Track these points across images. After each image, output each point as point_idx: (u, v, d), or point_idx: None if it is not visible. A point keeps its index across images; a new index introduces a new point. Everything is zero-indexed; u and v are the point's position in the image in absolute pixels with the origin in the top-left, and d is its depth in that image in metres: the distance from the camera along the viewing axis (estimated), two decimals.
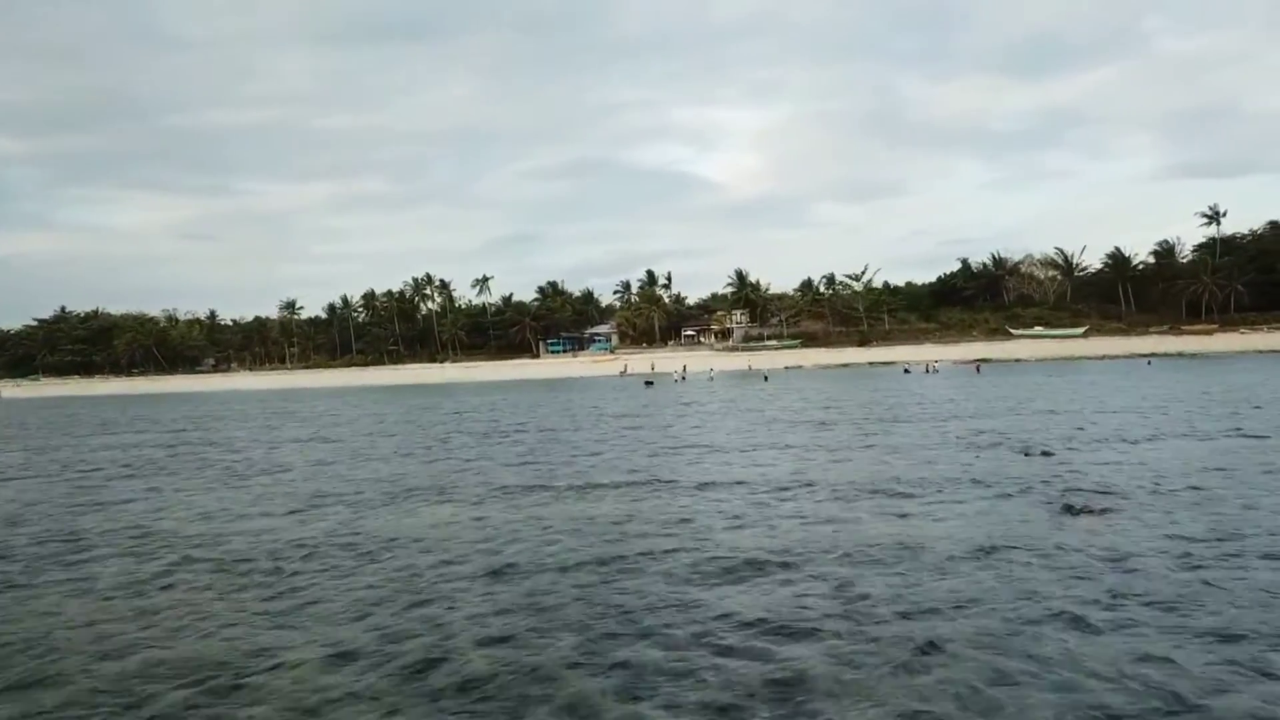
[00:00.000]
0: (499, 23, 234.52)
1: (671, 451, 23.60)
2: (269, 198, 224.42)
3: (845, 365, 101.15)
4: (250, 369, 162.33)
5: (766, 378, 68.39)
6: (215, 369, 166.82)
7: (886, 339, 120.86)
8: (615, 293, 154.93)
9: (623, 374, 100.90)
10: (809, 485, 17.03)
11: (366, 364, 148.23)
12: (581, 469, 20.68)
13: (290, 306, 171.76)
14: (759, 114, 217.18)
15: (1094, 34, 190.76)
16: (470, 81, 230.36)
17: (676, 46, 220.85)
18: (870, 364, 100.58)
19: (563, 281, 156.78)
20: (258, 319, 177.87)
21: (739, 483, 17.57)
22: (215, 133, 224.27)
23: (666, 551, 11.83)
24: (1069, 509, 13.31)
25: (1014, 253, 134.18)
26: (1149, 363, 70.42)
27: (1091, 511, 12.97)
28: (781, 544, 12.04)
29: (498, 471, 20.91)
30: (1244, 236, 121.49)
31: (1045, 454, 19.58)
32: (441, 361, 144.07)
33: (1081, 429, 25.04)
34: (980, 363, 71.20)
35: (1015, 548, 11.29)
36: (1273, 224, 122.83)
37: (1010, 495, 15.01)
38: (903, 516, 13.66)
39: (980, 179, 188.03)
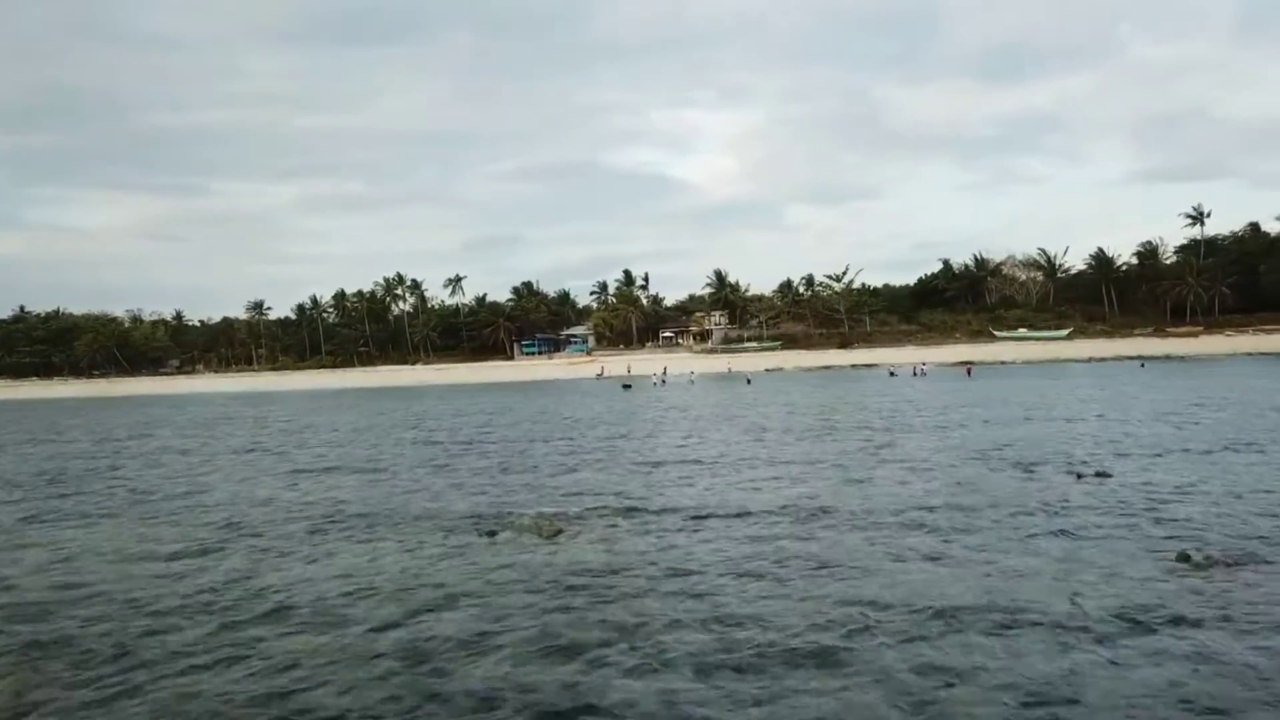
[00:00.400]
0: (475, 24, 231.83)
1: (655, 468, 20.47)
2: (242, 198, 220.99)
3: (827, 368, 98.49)
4: (216, 371, 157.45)
5: (749, 381, 65.49)
6: (179, 371, 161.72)
7: (868, 341, 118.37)
8: (592, 293, 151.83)
9: (599, 376, 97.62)
10: (826, 513, 13.98)
11: (335, 365, 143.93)
12: (548, 492, 17.50)
13: (258, 307, 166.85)
14: (735, 117, 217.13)
15: (1068, 40, 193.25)
16: (447, 83, 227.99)
17: (653, 50, 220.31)
18: (853, 366, 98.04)
19: (538, 282, 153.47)
20: (226, 320, 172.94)
21: (741, 513, 14.46)
22: (188, 132, 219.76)
23: (662, 629, 8.66)
24: (1186, 559, 10.22)
25: (995, 253, 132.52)
26: (1142, 365, 68.18)
27: (1221, 563, 9.91)
28: (818, 610, 8.92)
29: (448, 495, 17.64)
30: (1225, 238, 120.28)
31: (1101, 474, 16.58)
32: (413, 363, 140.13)
33: (1117, 441, 22.15)
34: (971, 365, 68.53)
35: (1153, 625, 8.20)
36: (1254, 226, 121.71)
37: (1095, 535, 11.93)
38: (968, 565, 10.55)
39: (954, 183, 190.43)
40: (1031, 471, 17.38)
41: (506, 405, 52.62)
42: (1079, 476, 16.49)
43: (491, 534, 13.33)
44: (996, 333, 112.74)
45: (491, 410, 48.28)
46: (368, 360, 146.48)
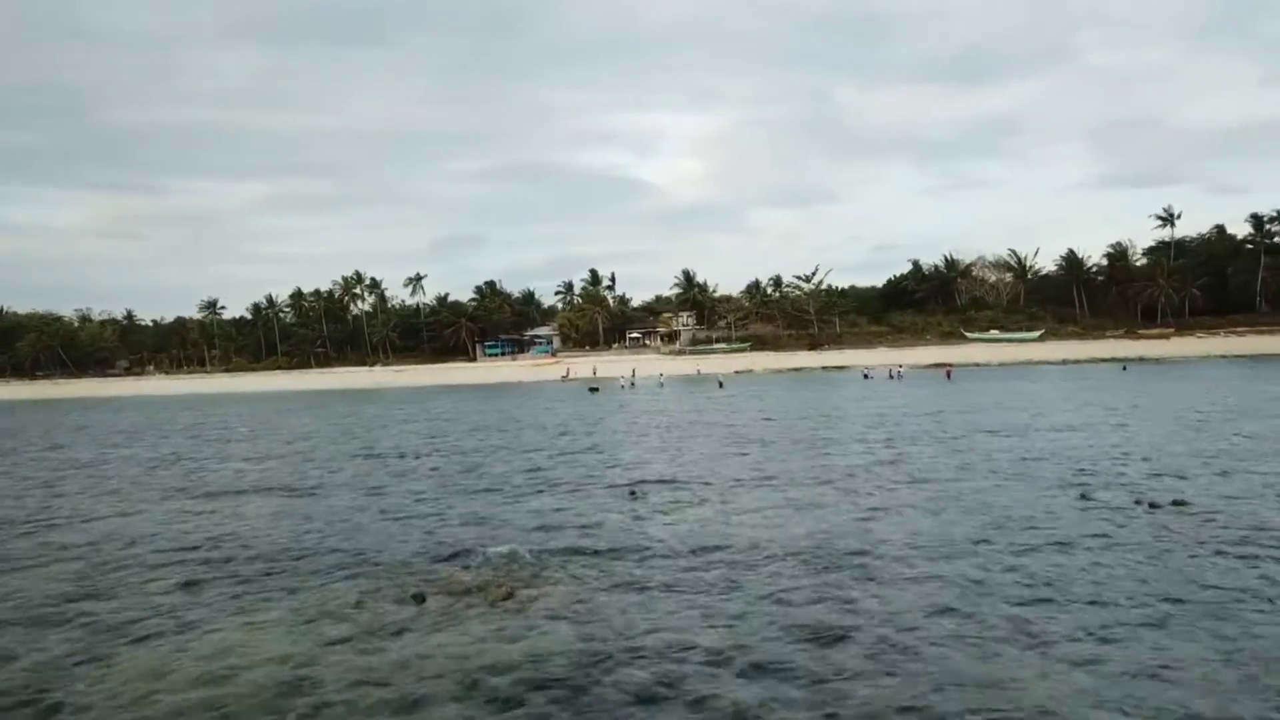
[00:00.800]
0: (439, 25, 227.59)
1: (633, 492, 17.21)
2: (201, 197, 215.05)
3: (798, 370, 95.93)
4: (166, 373, 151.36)
5: (721, 384, 62.51)
6: (128, 372, 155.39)
7: (838, 342, 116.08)
8: (557, 293, 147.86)
9: (565, 379, 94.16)
10: (859, 560, 10.85)
11: (291, 367, 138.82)
12: (501, 526, 14.20)
13: (211, 307, 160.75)
14: (699, 119, 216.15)
15: (1027, 46, 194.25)
16: (410, 83, 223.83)
17: (617, 52, 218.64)
18: (824, 368, 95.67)
19: (501, 281, 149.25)
20: (179, 320, 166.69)
21: (750, 559, 11.31)
22: (149, 130, 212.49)
23: None
24: None
25: (965, 254, 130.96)
26: (1124, 369, 66.17)
27: None
28: None
29: (376, 532, 14.26)
30: (1192, 240, 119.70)
31: (1179, 504, 13.61)
32: (371, 365, 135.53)
33: (1150, 459, 19.30)
34: (950, 368, 66.13)
35: None
36: (1219, 228, 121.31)
37: (1250, 610, 8.87)
38: (1104, 667, 7.40)
39: (913, 186, 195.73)
40: (1090, 500, 14.35)
41: (464, 410, 49.17)
42: (1153, 506, 13.50)
43: (420, 599, 9.99)
44: (968, 334, 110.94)
45: (447, 415, 44.83)
46: (325, 361, 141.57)
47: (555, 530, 13.64)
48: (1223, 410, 29.42)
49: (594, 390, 61.01)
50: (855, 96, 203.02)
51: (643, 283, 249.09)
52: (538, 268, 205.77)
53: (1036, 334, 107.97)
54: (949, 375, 61.52)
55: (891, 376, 66.08)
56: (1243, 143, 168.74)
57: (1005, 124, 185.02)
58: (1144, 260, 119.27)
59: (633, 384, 69.52)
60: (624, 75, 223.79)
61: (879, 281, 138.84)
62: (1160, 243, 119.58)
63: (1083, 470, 17.52)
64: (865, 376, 68.12)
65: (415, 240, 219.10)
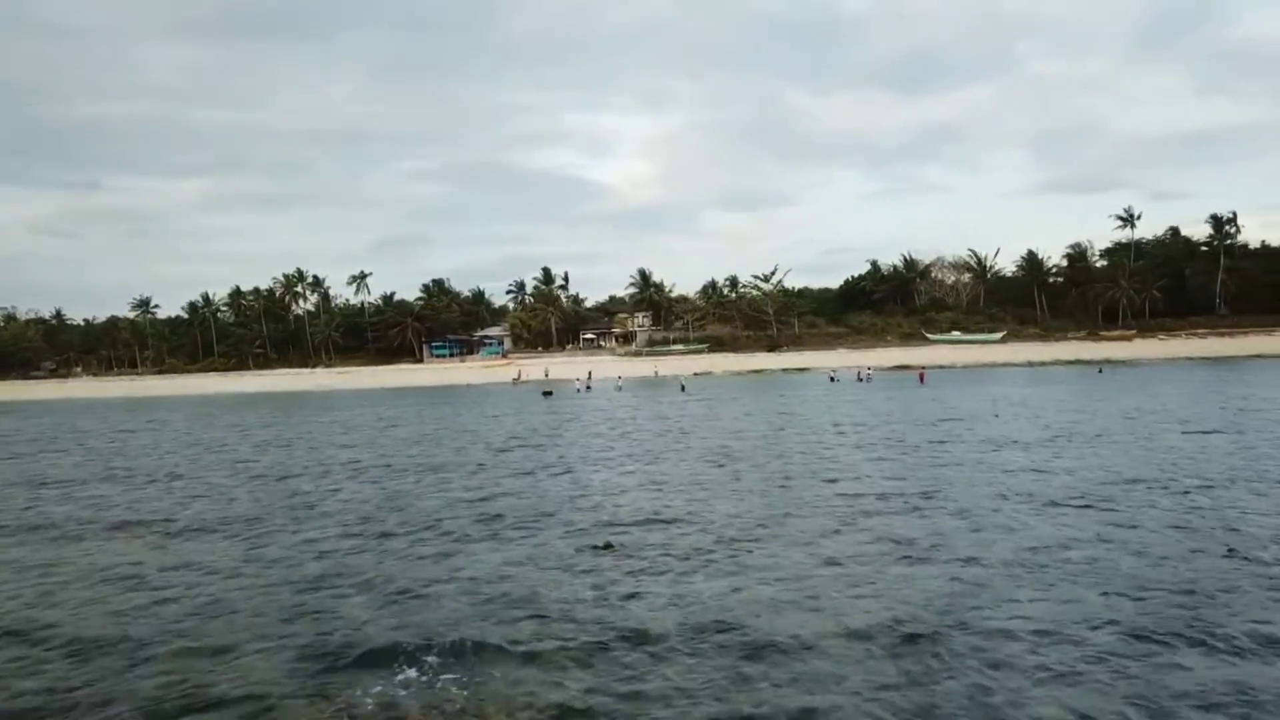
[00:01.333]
0: (384, 21, 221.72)
1: (609, 545, 13.13)
2: (140, 194, 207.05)
3: (758, 372, 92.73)
4: (95, 374, 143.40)
5: (684, 387, 58.74)
6: (54, 374, 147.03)
7: (797, 344, 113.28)
8: (509, 293, 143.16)
9: (516, 382, 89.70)
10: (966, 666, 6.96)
11: (228, 368, 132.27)
12: (415, 609, 10.06)
13: (144, 305, 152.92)
14: (650, 121, 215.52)
15: (970, 54, 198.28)
16: (355, 80, 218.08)
17: (568, 52, 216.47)
18: (784, 370, 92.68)
19: (449, 280, 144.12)
20: (111, 319, 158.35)
21: (791, 665, 7.33)
22: (81, 125, 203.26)
23: None
24: None
25: (924, 255, 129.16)
26: (1100, 371, 63.78)
27: None
28: None
29: (224, 627, 9.98)
30: (1149, 243, 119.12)
31: None
32: (313, 366, 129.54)
33: (1212, 484, 15.82)
34: (924, 371, 63.13)
35: None
36: (1174, 230, 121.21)
37: None
38: None
39: (862, 190, 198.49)
40: (1247, 559, 10.66)
41: (404, 417, 44.72)
42: (1247, 559, 9.86)
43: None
44: (929, 335, 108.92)
45: (385, 423, 40.38)
46: (264, 363, 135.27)
47: (501, 610, 9.61)
48: (1254, 410, 26.32)
49: (547, 394, 56.83)
50: (806, 101, 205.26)
51: (597, 284, 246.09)
52: (489, 269, 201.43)
53: (998, 335, 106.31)
54: (922, 379, 58.40)
55: (860, 379, 62.95)
56: (1180, 151, 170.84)
57: (951, 130, 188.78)
58: (1101, 262, 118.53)
59: (588, 387, 65.45)
60: (575, 76, 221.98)
61: (831, 284, 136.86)
62: (1117, 244, 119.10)
63: (1179, 497, 13.93)
64: (832, 379, 64.94)
65: (361, 240, 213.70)
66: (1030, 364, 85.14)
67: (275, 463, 25.40)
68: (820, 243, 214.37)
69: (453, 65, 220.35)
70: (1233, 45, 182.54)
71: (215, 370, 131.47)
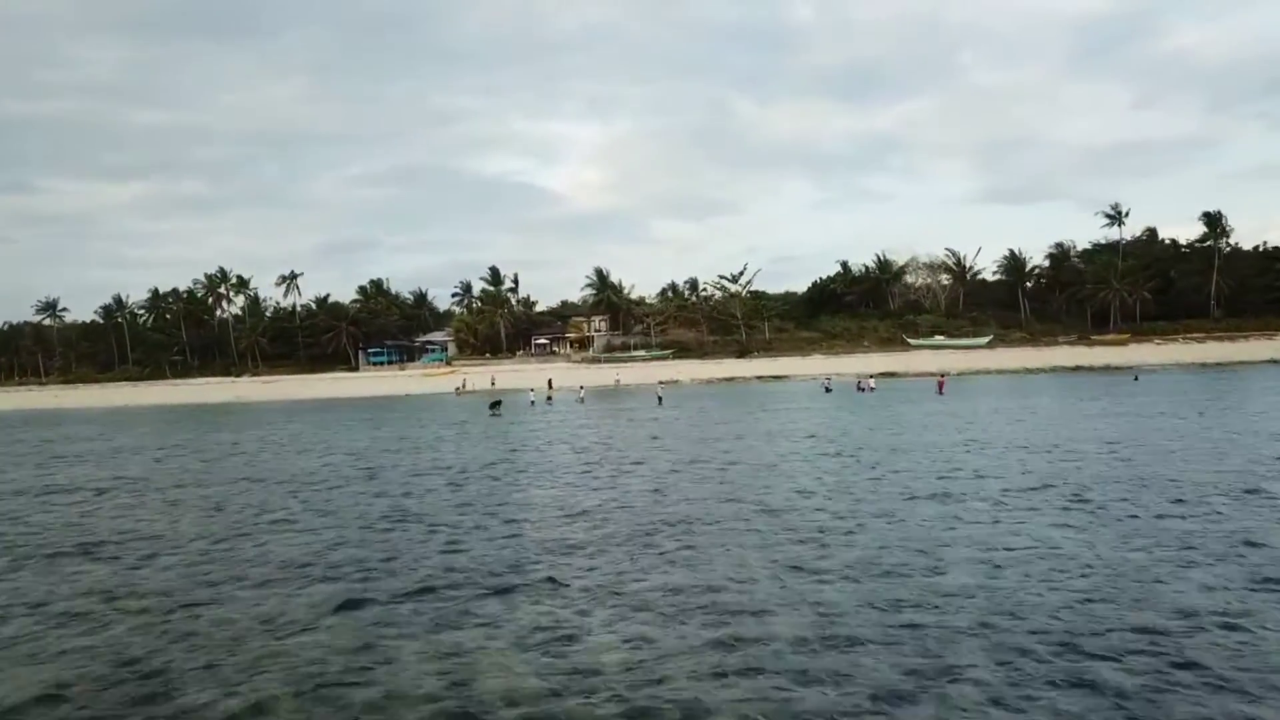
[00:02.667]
0: (326, 21, 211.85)
1: None
2: (70, 197, 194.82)
3: (730, 380, 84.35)
4: None
5: (661, 399, 49.60)
6: None
7: (768, 349, 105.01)
8: (454, 295, 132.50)
9: (460, 392, 79.93)
10: None
11: (143, 378, 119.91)
12: None
13: (50, 309, 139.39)
14: (599, 128, 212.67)
15: (913, 65, 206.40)
16: (296, 81, 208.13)
17: (515, 57, 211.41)
18: (759, 379, 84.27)
19: (388, 280, 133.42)
20: (9, 325, 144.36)
21: None
22: (10, 124, 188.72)
23: None
24: None
25: (899, 254, 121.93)
26: (1136, 379, 55.90)
27: None
28: None
29: None
30: (1128, 243, 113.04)
31: None
32: (237, 374, 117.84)
33: None
34: (944, 378, 54.53)
35: None
36: (1152, 231, 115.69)
37: None
38: None
39: (809, 198, 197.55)
40: None
41: (319, 439, 35.01)
42: None
43: None
44: (910, 340, 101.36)
45: (290, 447, 30.66)
46: (183, 371, 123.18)
47: None
48: None
49: (495, 408, 47.19)
50: (753, 109, 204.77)
51: (549, 291, 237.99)
52: (438, 274, 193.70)
53: (985, 340, 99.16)
54: (941, 388, 49.98)
55: (860, 389, 54.50)
56: (1115, 162, 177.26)
57: (895, 139, 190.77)
58: (1079, 263, 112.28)
59: (549, 399, 55.90)
60: (523, 82, 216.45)
61: (776, 292, 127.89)
62: (1098, 245, 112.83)
63: None
64: (826, 389, 56.36)
65: (305, 244, 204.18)
66: (1025, 371, 77.93)
67: (90, 524, 15.68)
68: (767, 250, 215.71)
69: (398, 67, 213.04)
70: (1165, 59, 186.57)
71: (129, 380, 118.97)
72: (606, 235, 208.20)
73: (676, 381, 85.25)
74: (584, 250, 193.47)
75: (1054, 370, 77.31)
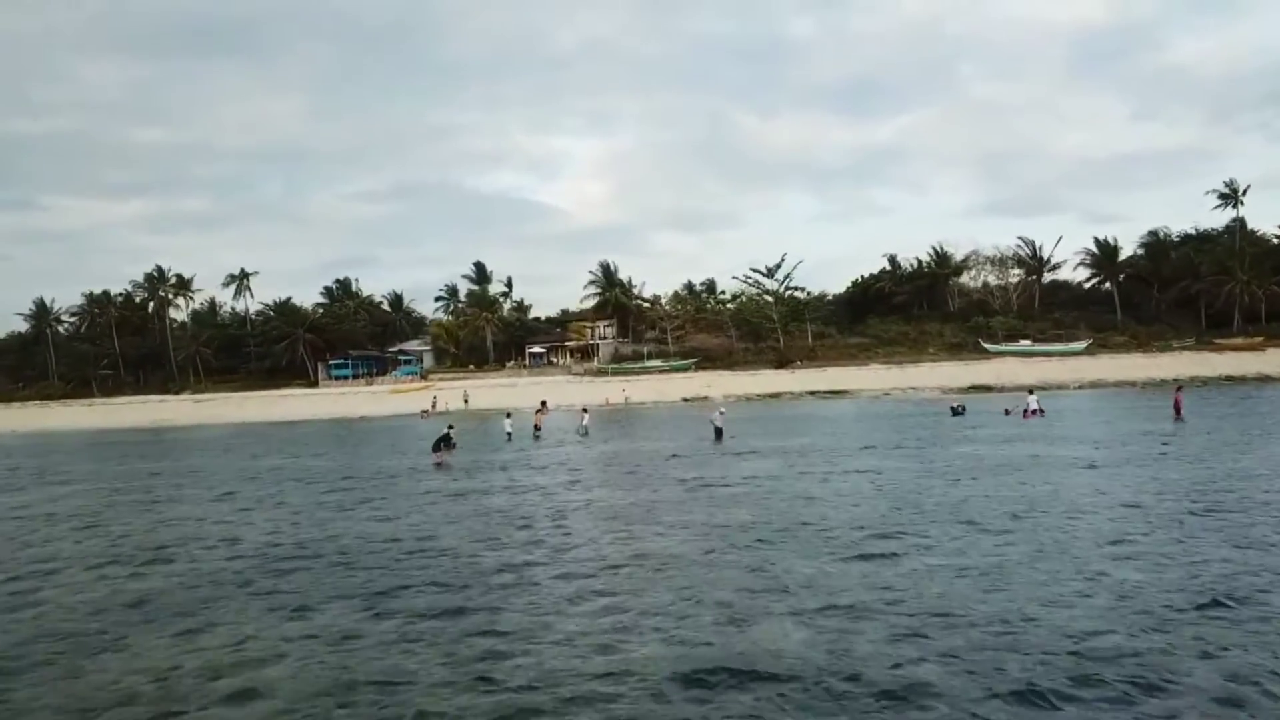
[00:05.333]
0: (326, 38, 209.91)
1: None
2: (72, 214, 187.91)
3: (775, 396, 65.84)
4: None
5: (721, 431, 30.19)
6: None
7: (811, 358, 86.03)
8: (438, 299, 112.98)
9: (428, 414, 61.41)
10: None
11: (59, 396, 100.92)
12: None
13: None
14: (600, 142, 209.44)
15: (913, 77, 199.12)
16: (296, 98, 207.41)
17: (515, 73, 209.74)
18: (811, 394, 65.72)
19: (358, 281, 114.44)
20: None
21: None
22: (6, 142, 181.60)
23: None
24: None
25: (957, 247, 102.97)
26: None
27: None
28: None
29: None
30: (1220, 231, 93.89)
31: None
32: (177, 391, 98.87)
33: None
34: (1179, 390, 34.62)
35: None
36: (1240, 221, 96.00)
37: None
38: None
39: (809, 211, 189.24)
40: None
41: (95, 515, 16.02)
42: None
43: None
44: (988, 346, 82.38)
45: (118, 529, 11.71)
46: (115, 388, 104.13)
47: None
48: None
49: (443, 446, 27.97)
50: (753, 122, 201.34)
51: (549, 306, 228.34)
52: (432, 290, 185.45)
53: (1081, 345, 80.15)
54: (1178, 411, 30.78)
55: (1032, 412, 35.28)
56: (1115, 174, 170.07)
57: (896, 152, 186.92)
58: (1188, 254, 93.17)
59: (535, 432, 36.72)
60: (523, 97, 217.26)
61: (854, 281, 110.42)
62: (1201, 232, 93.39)
63: None
64: (955, 411, 37.33)
65: (301, 260, 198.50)
66: (1142, 384, 59.20)
67: None
68: (769, 263, 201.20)
69: (398, 84, 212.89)
70: (1164, 71, 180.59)
71: (47, 398, 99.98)
72: (608, 248, 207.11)
73: (705, 398, 66.70)
74: (585, 264, 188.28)
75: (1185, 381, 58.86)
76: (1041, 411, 34.98)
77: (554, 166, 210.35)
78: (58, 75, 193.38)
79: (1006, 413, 36.42)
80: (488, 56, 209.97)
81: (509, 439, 34.64)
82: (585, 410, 38.16)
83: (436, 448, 27.46)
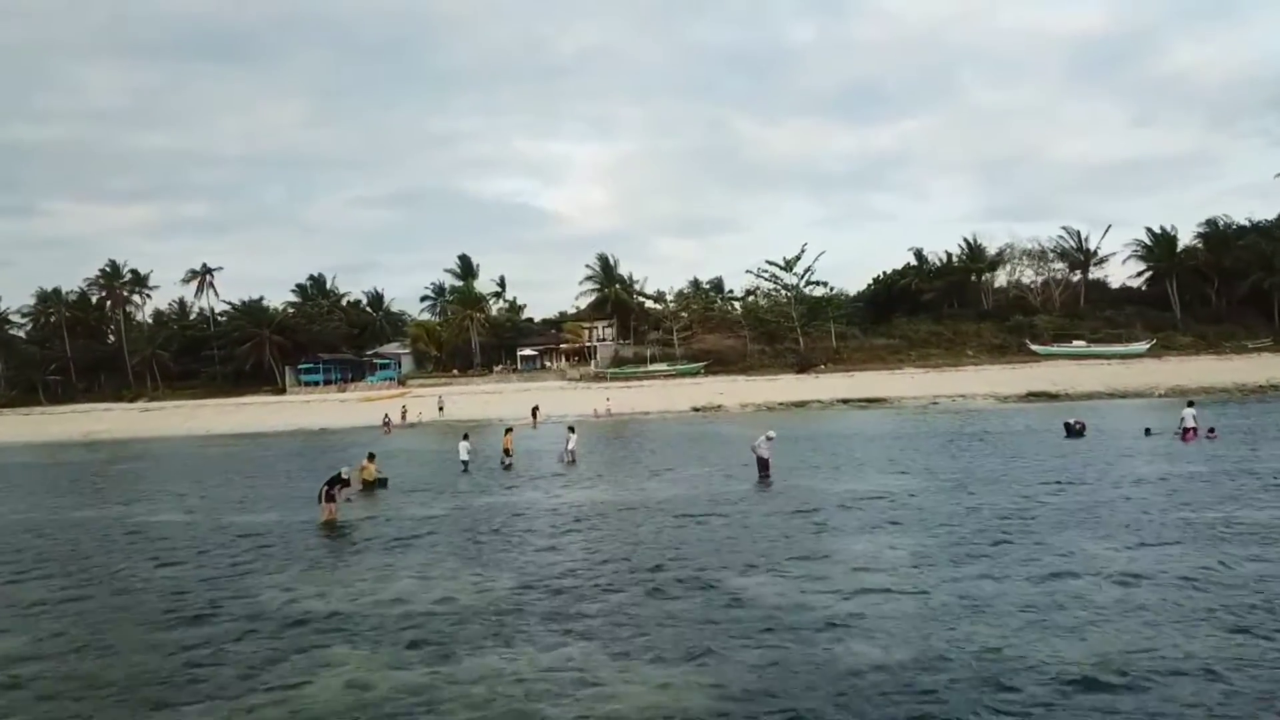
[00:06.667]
0: (327, 46, 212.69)
1: None
2: (73, 220, 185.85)
3: (801, 405, 56.60)
4: None
5: (767, 465, 20.59)
6: None
7: (837, 362, 76.41)
8: (424, 298, 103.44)
9: (390, 427, 52.15)
10: None
11: (10, 404, 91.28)
12: None
13: None
14: (602, 148, 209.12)
15: (914, 83, 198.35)
16: (298, 104, 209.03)
17: (515, 80, 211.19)
18: (843, 403, 56.48)
19: (334, 278, 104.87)
20: None
21: None
22: (7, 148, 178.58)
23: None
24: None
25: (991, 240, 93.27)
26: None
27: None
28: None
29: None
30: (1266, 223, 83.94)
31: None
32: (132, 399, 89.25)
33: None
34: None
35: None
36: None
37: None
38: None
39: (811, 217, 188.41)
40: None
41: None
42: None
43: None
44: (1036, 348, 72.68)
45: None
46: (63, 395, 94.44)
47: None
48: None
49: (335, 484, 18.33)
50: (754, 128, 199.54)
51: (549, 311, 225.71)
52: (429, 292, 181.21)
53: (1144, 347, 70.51)
54: None
55: (1186, 436, 25.42)
56: (1115, 179, 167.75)
57: (897, 157, 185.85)
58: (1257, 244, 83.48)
59: (504, 459, 27.04)
60: (524, 103, 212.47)
61: (876, 278, 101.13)
62: (1251, 224, 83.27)
63: None
64: (1072, 431, 27.69)
65: (303, 266, 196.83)
66: (1222, 391, 49.86)
67: None
68: (785, 255, 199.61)
69: (398, 90, 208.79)
70: (1164, 77, 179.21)
71: None
72: (611, 254, 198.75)
73: (719, 406, 57.27)
74: (586, 271, 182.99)
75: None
76: (1212, 432, 25.25)
77: (555, 172, 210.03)
78: (60, 83, 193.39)
79: (1148, 432, 26.86)
80: (488, 64, 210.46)
81: (464, 469, 25.20)
82: (572, 431, 28.41)
83: (329, 496, 17.79)
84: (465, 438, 26.85)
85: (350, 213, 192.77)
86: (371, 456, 23.53)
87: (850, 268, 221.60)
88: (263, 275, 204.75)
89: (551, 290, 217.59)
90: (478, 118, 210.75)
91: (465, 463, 25.61)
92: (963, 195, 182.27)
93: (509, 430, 28.50)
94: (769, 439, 20.89)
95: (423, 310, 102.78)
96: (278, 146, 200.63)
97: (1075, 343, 72.95)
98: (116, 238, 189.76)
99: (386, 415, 55.01)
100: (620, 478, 23.67)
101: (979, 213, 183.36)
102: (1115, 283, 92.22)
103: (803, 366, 74.32)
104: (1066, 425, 28.00)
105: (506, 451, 27.40)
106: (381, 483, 22.47)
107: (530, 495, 20.73)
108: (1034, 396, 53.88)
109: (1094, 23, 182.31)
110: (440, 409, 58.76)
